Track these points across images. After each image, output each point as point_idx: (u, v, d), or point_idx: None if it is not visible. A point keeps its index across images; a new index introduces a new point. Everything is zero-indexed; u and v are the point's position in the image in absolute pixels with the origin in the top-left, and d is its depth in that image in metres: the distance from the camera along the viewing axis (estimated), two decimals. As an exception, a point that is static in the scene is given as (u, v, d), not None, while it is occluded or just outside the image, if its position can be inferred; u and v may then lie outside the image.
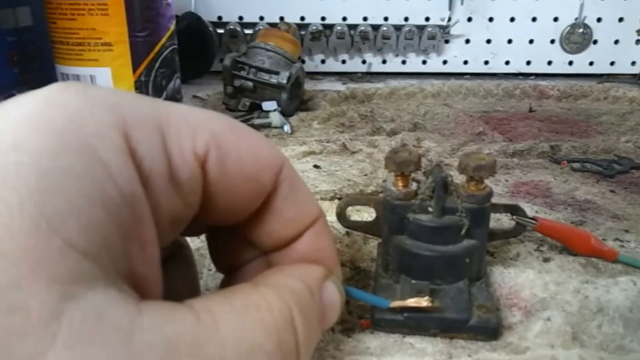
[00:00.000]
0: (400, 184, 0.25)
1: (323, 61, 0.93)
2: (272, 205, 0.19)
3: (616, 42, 0.90)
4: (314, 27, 0.88)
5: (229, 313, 0.15)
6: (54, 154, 0.13)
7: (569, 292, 0.25)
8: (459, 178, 0.26)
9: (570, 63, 0.92)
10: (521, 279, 0.27)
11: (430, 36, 0.89)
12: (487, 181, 0.25)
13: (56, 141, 0.13)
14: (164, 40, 0.51)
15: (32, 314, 0.11)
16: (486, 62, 0.93)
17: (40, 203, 0.12)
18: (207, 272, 0.29)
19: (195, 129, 0.17)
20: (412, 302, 0.22)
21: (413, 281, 0.25)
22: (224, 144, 0.17)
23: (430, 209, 0.25)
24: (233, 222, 0.20)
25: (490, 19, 0.90)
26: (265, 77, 0.62)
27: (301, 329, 0.16)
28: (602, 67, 0.91)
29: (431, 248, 0.25)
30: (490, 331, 0.23)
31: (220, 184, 0.17)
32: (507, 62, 0.92)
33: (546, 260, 0.29)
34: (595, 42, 0.90)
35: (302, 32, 0.88)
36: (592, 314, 0.24)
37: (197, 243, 0.30)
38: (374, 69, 0.93)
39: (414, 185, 0.26)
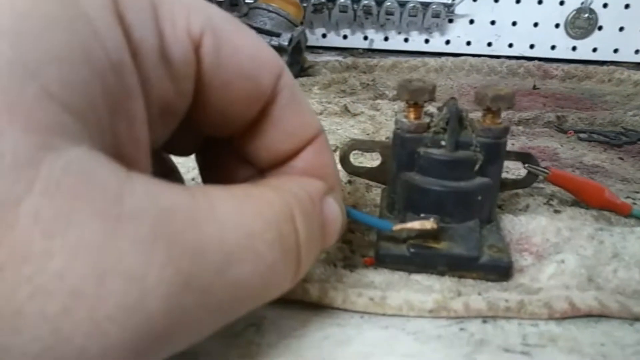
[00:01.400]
0: (412, 115, 0.24)
1: (324, 35, 0.91)
2: (271, 115, 0.17)
3: (621, 29, 0.89)
4: (316, -1, 0.86)
5: (227, 199, 0.13)
6: None
7: (583, 238, 0.24)
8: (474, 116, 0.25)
9: (574, 49, 0.90)
10: (532, 226, 0.25)
11: (435, 14, 0.87)
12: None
13: None
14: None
15: (5, 157, 0.10)
16: (489, 44, 0.91)
17: (15, 45, 0.10)
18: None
19: (190, 9, 0.15)
20: (416, 224, 0.21)
21: (422, 215, 0.23)
22: (221, 31, 0.15)
23: (443, 143, 0.24)
24: (229, 132, 0.18)
25: (496, 0, 0.89)
26: (266, 39, 0.59)
27: (302, 229, 0.15)
28: (605, 54, 0.90)
29: (442, 183, 0.23)
30: (502, 270, 0.22)
31: (215, 77, 0.15)
32: (510, 45, 0.91)
33: (557, 211, 0.28)
34: (600, 28, 0.89)
35: (305, 4, 0.85)
36: (608, 258, 0.23)
37: (192, 175, 0.28)
38: (375, 46, 0.91)
39: (426, 119, 0.24)
